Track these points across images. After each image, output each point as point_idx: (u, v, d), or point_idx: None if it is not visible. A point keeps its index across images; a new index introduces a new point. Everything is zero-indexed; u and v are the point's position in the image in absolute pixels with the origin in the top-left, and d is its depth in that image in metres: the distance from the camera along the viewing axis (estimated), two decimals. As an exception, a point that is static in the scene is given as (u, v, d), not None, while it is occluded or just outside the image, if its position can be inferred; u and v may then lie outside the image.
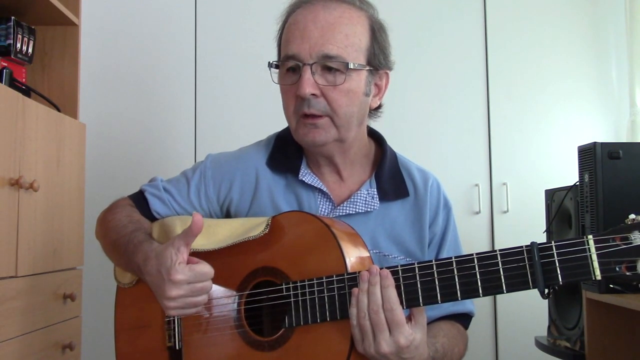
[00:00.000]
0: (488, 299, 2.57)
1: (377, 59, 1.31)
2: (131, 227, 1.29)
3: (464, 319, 1.39)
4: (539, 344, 2.13)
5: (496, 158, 2.65)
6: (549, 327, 2.15)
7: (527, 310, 2.48)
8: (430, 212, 1.37)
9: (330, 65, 1.25)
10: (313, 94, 1.25)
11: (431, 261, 1.11)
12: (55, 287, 1.85)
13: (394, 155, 1.42)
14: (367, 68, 1.29)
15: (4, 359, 1.56)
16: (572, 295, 2.00)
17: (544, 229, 2.12)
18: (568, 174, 2.26)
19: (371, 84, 1.32)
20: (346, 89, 1.26)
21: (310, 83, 1.24)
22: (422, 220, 1.36)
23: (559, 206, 2.05)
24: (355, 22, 1.28)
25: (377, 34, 1.31)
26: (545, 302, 2.16)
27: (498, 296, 2.56)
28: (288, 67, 1.28)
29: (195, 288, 1.12)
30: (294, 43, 1.26)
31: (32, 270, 1.72)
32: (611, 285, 1.73)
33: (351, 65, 1.26)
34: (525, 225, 2.51)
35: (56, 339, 1.84)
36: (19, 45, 1.97)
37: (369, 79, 1.31)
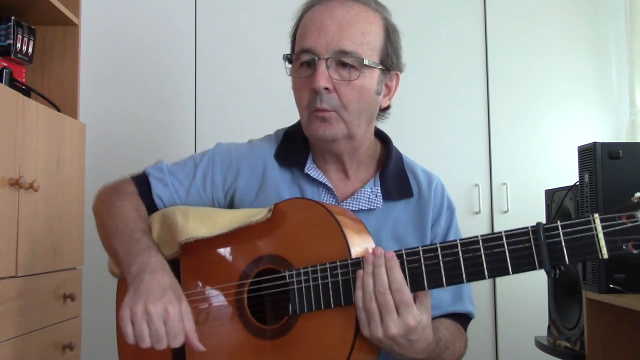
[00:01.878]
0: (488, 299, 2.57)
1: (390, 60, 1.32)
2: (140, 224, 1.28)
3: (463, 320, 1.38)
4: (539, 344, 2.13)
5: (496, 158, 2.65)
6: (549, 327, 2.15)
7: (527, 310, 2.48)
8: (433, 213, 1.37)
9: (345, 61, 1.26)
10: (326, 88, 1.26)
11: (435, 244, 1.11)
12: (55, 287, 1.85)
13: (399, 156, 1.43)
14: (380, 67, 1.30)
15: (4, 359, 1.56)
16: (572, 295, 2.00)
17: (544, 229, 2.12)
18: (568, 174, 2.26)
19: (382, 84, 1.33)
20: (359, 86, 1.27)
21: (324, 77, 1.25)
22: (424, 220, 1.36)
23: (559, 206, 2.05)
24: (371, 21, 1.30)
25: (391, 35, 1.33)
26: (545, 302, 2.16)
27: (498, 296, 2.56)
28: (302, 60, 1.29)
29: (160, 330, 1.10)
30: (310, 37, 1.27)
31: (32, 270, 1.72)
32: (611, 285, 1.73)
33: (366, 62, 1.27)
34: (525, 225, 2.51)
35: (56, 339, 1.84)
36: (19, 45, 1.97)
37: (381, 78, 1.32)
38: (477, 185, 2.63)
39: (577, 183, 1.91)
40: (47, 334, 1.79)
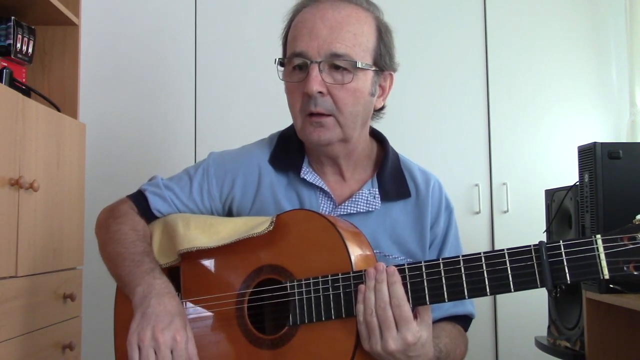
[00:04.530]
0: (488, 299, 2.57)
1: (383, 60, 1.31)
2: (140, 246, 1.28)
3: (464, 321, 1.38)
4: (539, 344, 2.13)
5: (496, 158, 2.65)
6: (549, 327, 2.15)
7: (527, 310, 2.48)
8: (431, 214, 1.37)
9: (337, 64, 1.25)
10: (320, 92, 1.25)
11: (438, 260, 1.11)
12: (55, 287, 1.85)
13: (396, 156, 1.42)
14: (374, 68, 1.29)
15: (4, 359, 1.55)
16: (572, 295, 2.00)
17: (544, 229, 2.12)
18: (568, 174, 2.26)
19: (376, 85, 1.32)
20: (353, 88, 1.26)
21: (317, 81, 1.24)
22: (423, 221, 1.35)
23: (559, 206, 2.05)
24: (363, 22, 1.28)
25: (383, 35, 1.32)
26: (545, 302, 2.16)
27: (498, 296, 2.56)
28: (295, 64, 1.28)
29: (167, 358, 1.11)
30: (302, 41, 1.26)
31: (32, 270, 1.72)
32: (611, 285, 1.73)
33: (359, 65, 1.26)
34: (525, 225, 2.51)
35: (56, 339, 1.84)
36: (19, 45, 1.96)
37: (375, 79, 1.31)
38: (477, 185, 2.63)
39: (577, 183, 1.91)
40: (47, 334, 1.79)
